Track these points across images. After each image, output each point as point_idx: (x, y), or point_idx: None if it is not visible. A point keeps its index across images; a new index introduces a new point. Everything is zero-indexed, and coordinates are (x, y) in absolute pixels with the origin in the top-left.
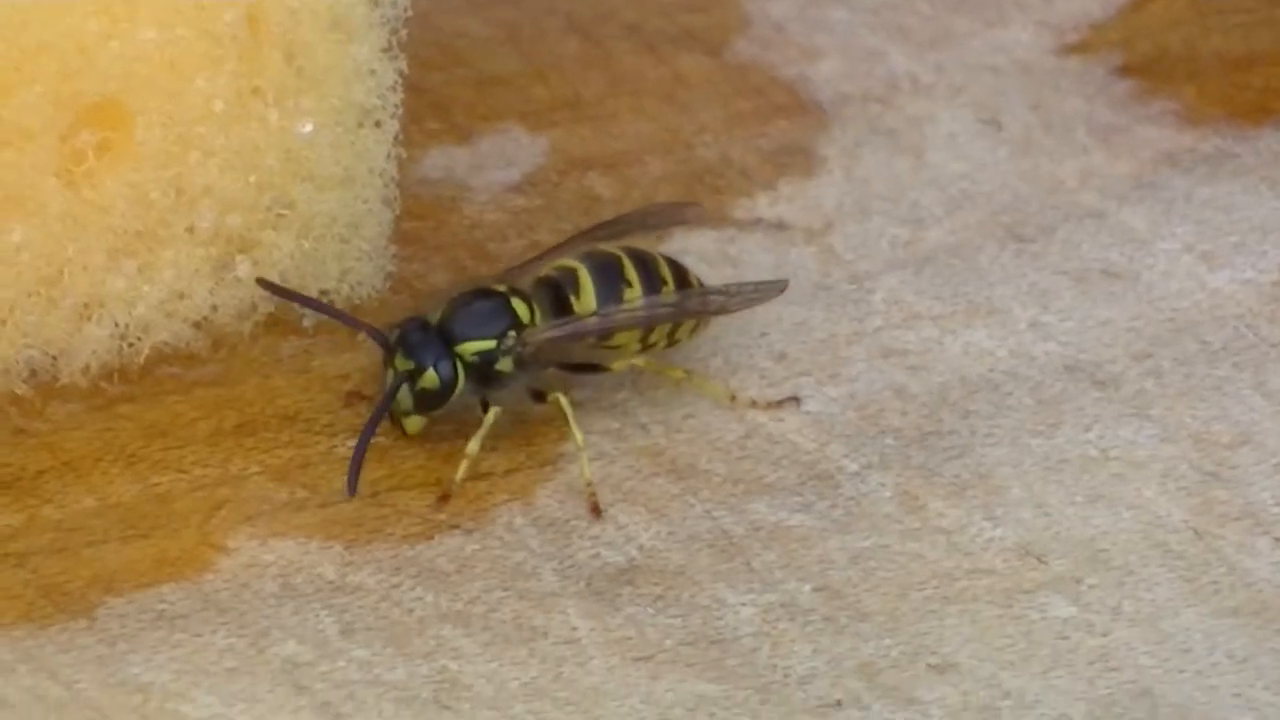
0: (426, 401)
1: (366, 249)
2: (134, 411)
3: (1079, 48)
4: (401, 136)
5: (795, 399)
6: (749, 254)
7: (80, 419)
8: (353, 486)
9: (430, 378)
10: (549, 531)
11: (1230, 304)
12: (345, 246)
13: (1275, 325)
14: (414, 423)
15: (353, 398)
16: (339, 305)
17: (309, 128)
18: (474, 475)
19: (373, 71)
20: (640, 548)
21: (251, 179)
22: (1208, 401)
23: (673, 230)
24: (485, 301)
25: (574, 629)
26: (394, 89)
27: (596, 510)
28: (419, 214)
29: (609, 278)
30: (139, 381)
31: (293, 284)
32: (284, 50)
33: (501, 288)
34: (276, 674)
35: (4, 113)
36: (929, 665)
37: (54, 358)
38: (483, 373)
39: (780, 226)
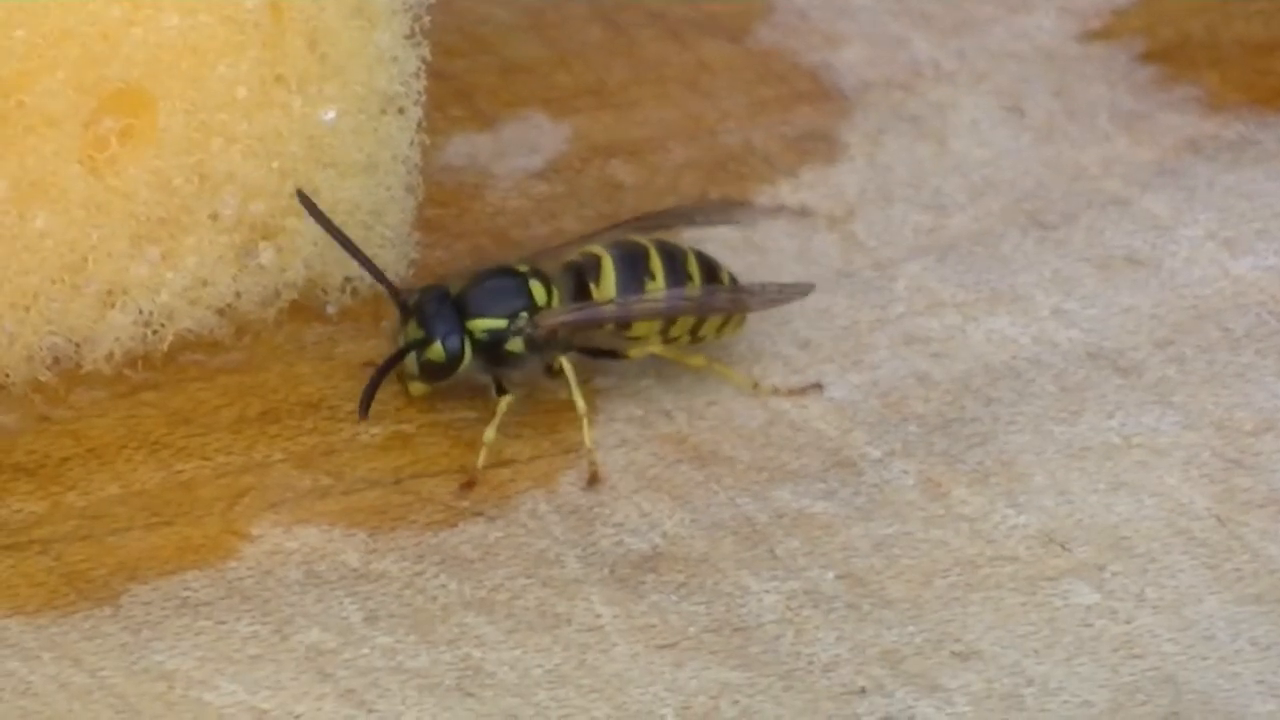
0: (431, 372)
1: (389, 236)
2: (158, 399)
3: (1101, 34)
4: (424, 123)
5: (818, 385)
6: (772, 240)
7: (104, 406)
8: (364, 410)
9: (436, 350)
10: (572, 519)
11: (1253, 291)
12: (368, 233)
13: None
14: (417, 388)
15: (369, 369)
16: (362, 293)
17: (332, 114)
18: (497, 462)
19: (395, 58)
20: (664, 535)
21: (274, 165)
22: (1230, 388)
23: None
24: (503, 280)
25: (598, 616)
26: (417, 75)
27: (596, 478)
28: (442, 201)
29: (632, 267)
30: (163, 369)
31: (316, 271)
32: (307, 37)
33: (524, 268)
34: (300, 661)
35: (27, 99)
36: (952, 652)
37: (77, 345)
38: (492, 351)
39: (803, 213)
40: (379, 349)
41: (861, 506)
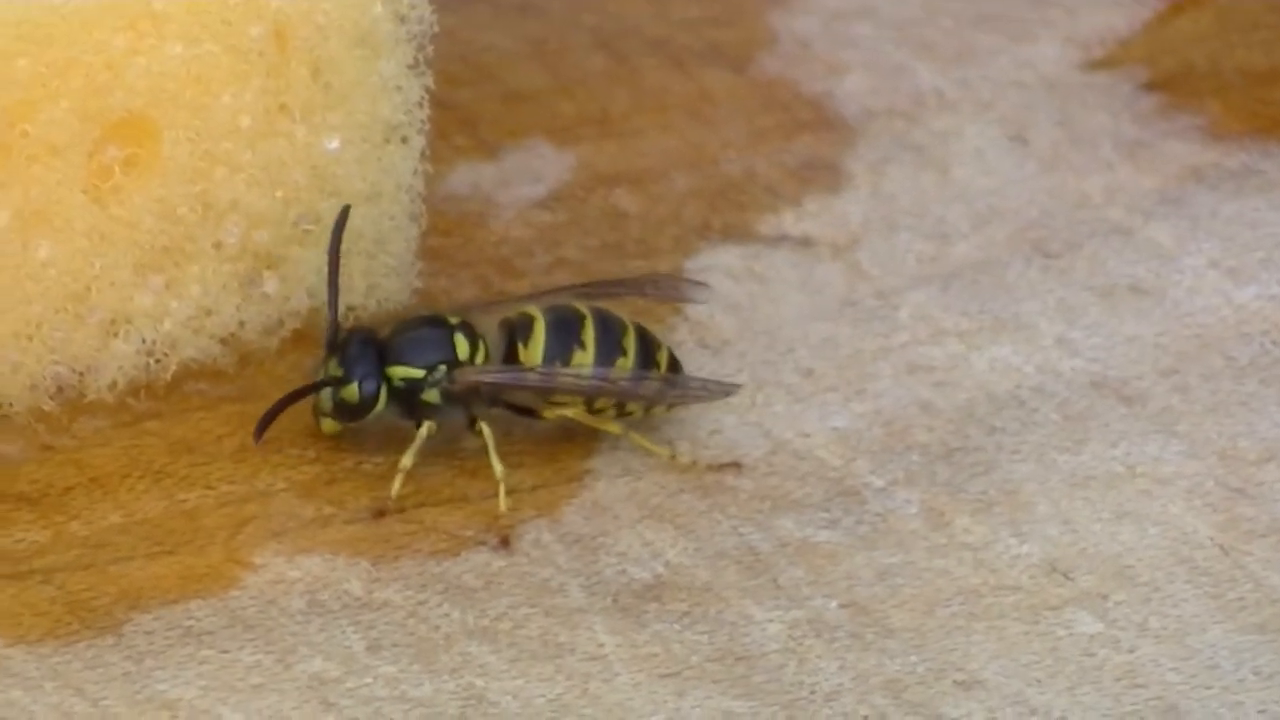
0: (345, 411)
1: (393, 264)
2: (161, 428)
3: (1104, 63)
4: (428, 152)
5: (736, 464)
6: (774, 270)
7: (107, 435)
8: (259, 434)
9: (351, 391)
10: (575, 548)
11: (1256, 320)
12: (372, 262)
13: None
14: (329, 424)
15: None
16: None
17: (336, 143)
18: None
19: (399, 87)
20: (667, 564)
21: (278, 194)
22: (1234, 417)
23: (698, 245)
24: (429, 330)
25: (600, 645)
26: (420, 105)
27: (506, 543)
28: (445, 230)
29: (564, 333)
30: (166, 398)
31: (319, 300)
32: (311, 66)
33: (454, 320)
34: (303, 690)
35: (31, 128)
36: (955, 682)
37: (81, 374)
38: (407, 399)
39: (806, 242)
40: None
41: (865, 535)
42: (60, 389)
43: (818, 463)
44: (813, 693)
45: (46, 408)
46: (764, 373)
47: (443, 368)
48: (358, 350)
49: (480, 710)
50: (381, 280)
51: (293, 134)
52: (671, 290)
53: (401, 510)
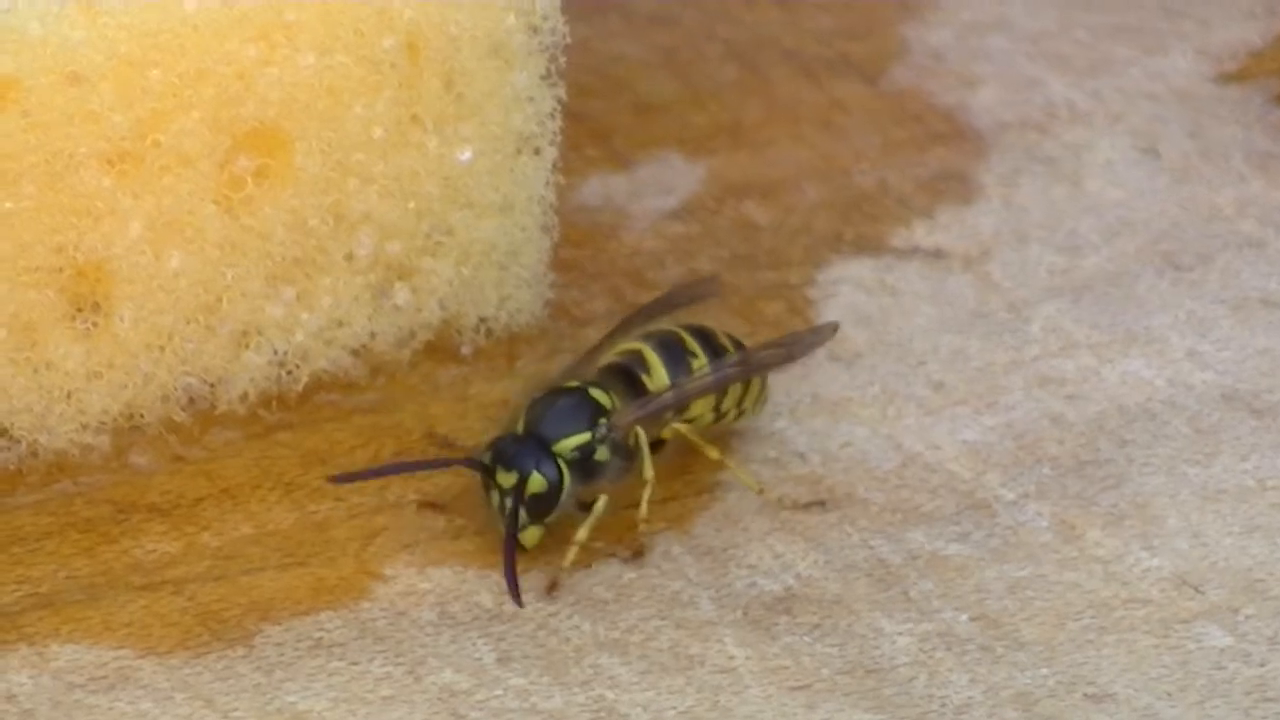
0: (539, 506)
1: (525, 276)
2: (292, 439)
3: (1237, 76)
4: (560, 163)
5: (821, 502)
6: (906, 282)
7: (238, 446)
8: (516, 598)
9: (538, 481)
10: (706, 560)
11: None
12: (504, 273)
13: None
14: (531, 534)
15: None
16: (496, 334)
17: (468, 155)
18: (632, 502)
19: (531, 98)
20: (797, 576)
21: (410, 206)
22: None
23: (829, 257)
24: (567, 398)
25: (731, 658)
26: (553, 116)
27: (641, 553)
28: (577, 241)
29: (674, 352)
30: (297, 409)
31: (451, 312)
32: (443, 77)
33: (575, 383)
34: (433, 702)
35: (163, 139)
36: (1085, 695)
37: (212, 385)
38: (584, 466)
39: (937, 254)
40: (512, 388)
41: (995, 549)
42: (192, 400)
43: (948, 475)
44: (943, 706)
45: (178, 419)
46: (895, 385)
47: (603, 421)
48: (515, 449)
49: None
50: (514, 292)
51: (425, 145)
52: (697, 291)
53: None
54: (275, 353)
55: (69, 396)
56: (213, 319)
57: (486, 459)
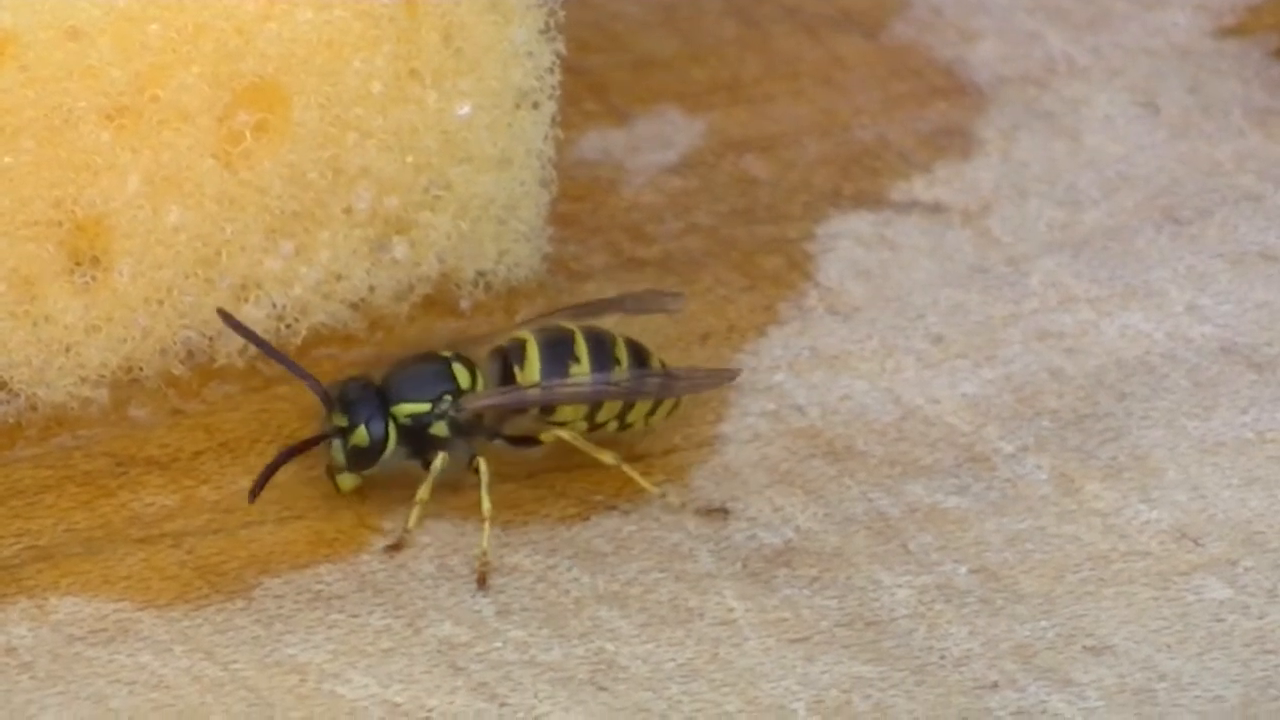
0: (357, 458)
1: (524, 230)
2: (290, 393)
3: (1236, 30)
4: (559, 118)
5: (724, 510)
6: (905, 236)
7: (237, 400)
8: (254, 496)
9: (361, 435)
10: (705, 512)
11: None
12: (502, 228)
13: None
14: (346, 480)
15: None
16: (495, 288)
17: (466, 109)
18: (631, 457)
19: (530, 53)
20: (797, 529)
21: (409, 160)
22: None
23: (829, 212)
24: (426, 365)
25: (730, 610)
26: (551, 70)
27: (483, 581)
28: (576, 195)
29: (557, 351)
30: (296, 362)
31: (449, 266)
32: (442, 32)
33: (448, 353)
34: (433, 654)
35: (162, 94)
36: (1085, 647)
37: (211, 339)
38: (416, 435)
39: (937, 209)
40: None
41: (994, 501)
42: (190, 354)
43: (947, 428)
44: (943, 658)
45: (177, 372)
46: (894, 339)
47: (448, 397)
48: (358, 395)
49: (610, 675)
50: (512, 246)
51: (423, 100)
52: (651, 303)
53: (530, 476)
54: (274, 306)
55: (68, 350)
56: (212, 273)
57: (334, 394)
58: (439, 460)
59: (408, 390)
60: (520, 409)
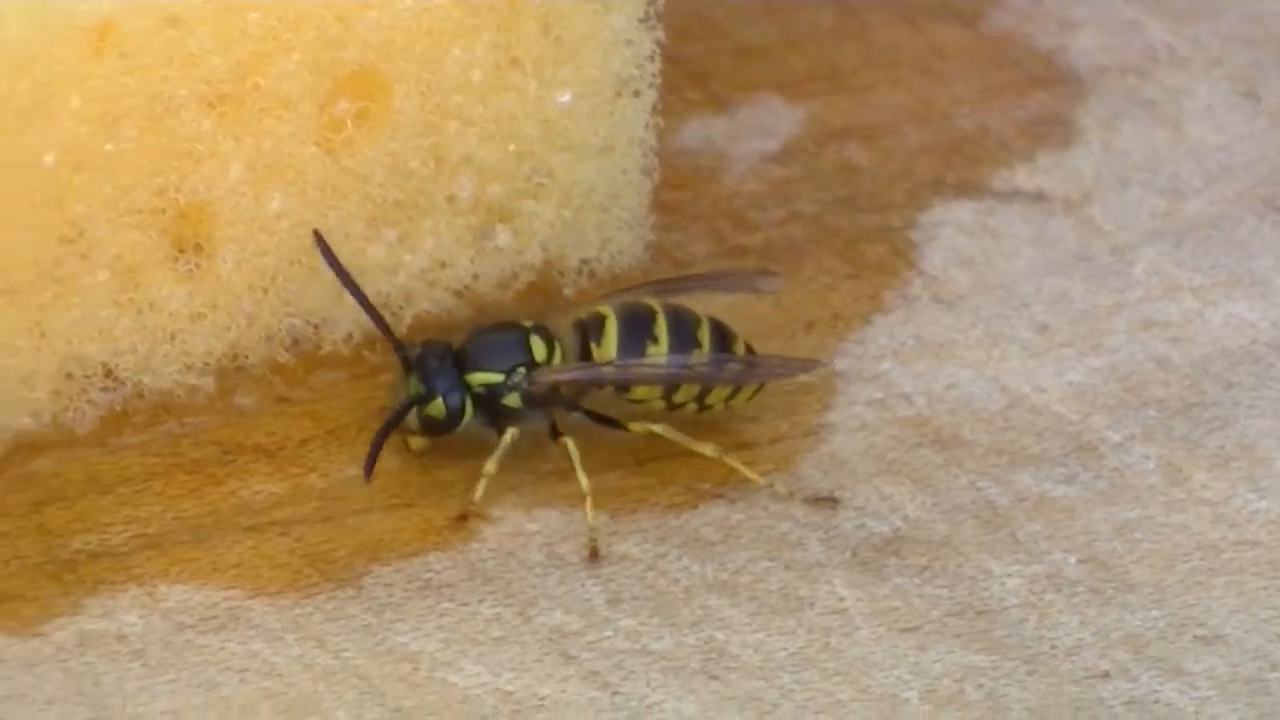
0: (432, 427)
1: (626, 218)
2: (397, 381)
3: None
4: (660, 106)
5: (833, 499)
6: (1008, 225)
7: (343, 388)
8: (368, 474)
9: (437, 406)
10: (814, 501)
11: None
12: (605, 216)
13: None
14: (418, 442)
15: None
16: (599, 275)
17: (567, 97)
18: (738, 444)
19: (630, 41)
20: (905, 518)
21: (510, 148)
22: None
23: (931, 200)
24: (504, 335)
25: (840, 599)
26: (651, 59)
27: (595, 554)
28: (678, 183)
29: (636, 329)
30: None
31: (552, 254)
32: (541, 20)
33: (528, 324)
34: (544, 643)
35: (264, 81)
36: (1196, 636)
37: (316, 326)
38: (490, 405)
39: (1039, 197)
40: None
41: (1103, 490)
42: (296, 341)
43: (1054, 418)
44: (1054, 647)
45: (282, 360)
46: (999, 327)
47: (521, 370)
48: (436, 364)
49: (722, 664)
50: (615, 234)
51: (524, 88)
52: (745, 282)
53: (639, 464)
54: (378, 294)
55: (173, 338)
56: (315, 260)
57: (413, 357)
58: (509, 435)
59: (483, 359)
60: (593, 385)
